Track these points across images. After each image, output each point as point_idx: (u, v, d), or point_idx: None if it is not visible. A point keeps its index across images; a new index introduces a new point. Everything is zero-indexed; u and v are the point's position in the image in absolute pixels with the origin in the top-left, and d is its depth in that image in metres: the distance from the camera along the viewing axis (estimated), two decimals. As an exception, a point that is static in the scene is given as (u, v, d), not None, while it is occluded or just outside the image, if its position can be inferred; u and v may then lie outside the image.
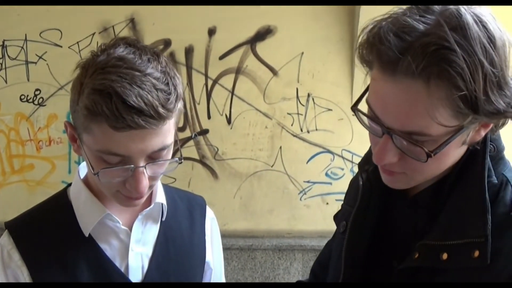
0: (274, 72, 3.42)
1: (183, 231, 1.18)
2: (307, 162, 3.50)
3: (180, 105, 0.94)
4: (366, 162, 1.04)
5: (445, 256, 0.85)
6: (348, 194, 1.18)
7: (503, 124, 0.87)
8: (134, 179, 0.93)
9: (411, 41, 0.75)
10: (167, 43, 3.37)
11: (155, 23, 3.35)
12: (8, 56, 3.37)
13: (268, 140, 3.48)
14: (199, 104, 3.45)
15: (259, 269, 3.49)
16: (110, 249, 1.06)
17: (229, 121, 3.47)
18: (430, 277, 0.89)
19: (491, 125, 0.84)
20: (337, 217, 1.19)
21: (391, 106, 0.80)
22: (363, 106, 0.88)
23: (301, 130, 3.48)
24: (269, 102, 3.45)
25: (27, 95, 3.40)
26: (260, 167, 3.51)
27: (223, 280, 1.32)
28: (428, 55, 0.73)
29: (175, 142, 0.99)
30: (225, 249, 1.32)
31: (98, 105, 0.85)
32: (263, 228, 3.54)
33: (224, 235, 1.31)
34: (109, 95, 0.84)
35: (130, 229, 1.07)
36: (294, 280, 3.50)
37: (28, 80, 3.39)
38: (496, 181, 0.88)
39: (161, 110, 0.86)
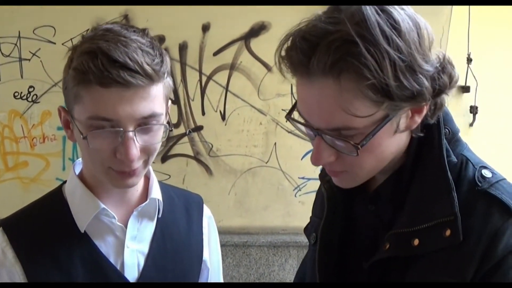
0: (268, 68, 3.41)
1: (180, 228, 1.18)
2: (301, 158, 3.50)
3: (169, 79, 0.98)
4: (326, 173, 1.05)
5: (416, 241, 0.85)
6: (315, 206, 1.19)
7: (440, 107, 0.87)
8: (124, 146, 0.92)
9: (318, 42, 0.77)
10: (161, 39, 3.35)
11: (149, 20, 3.33)
12: (2, 53, 3.34)
13: (263, 137, 3.48)
14: (193, 100, 3.44)
15: (254, 265, 3.50)
16: (105, 245, 1.05)
17: (223, 117, 3.46)
18: (403, 268, 0.88)
19: (425, 110, 0.84)
20: (306, 229, 1.20)
21: (312, 107, 0.82)
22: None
23: (296, 127, 3.47)
24: (264, 98, 3.44)
25: (21, 92, 3.37)
26: (255, 164, 3.50)
27: (221, 279, 1.32)
28: (334, 51, 0.75)
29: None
30: (220, 245, 1.32)
31: (85, 63, 0.88)
32: (258, 224, 3.54)
33: (219, 232, 1.31)
34: (95, 54, 0.88)
35: (126, 226, 1.07)
36: (289, 276, 3.51)
37: (21, 77, 3.36)
38: (456, 160, 0.89)
39: (146, 67, 0.89)
